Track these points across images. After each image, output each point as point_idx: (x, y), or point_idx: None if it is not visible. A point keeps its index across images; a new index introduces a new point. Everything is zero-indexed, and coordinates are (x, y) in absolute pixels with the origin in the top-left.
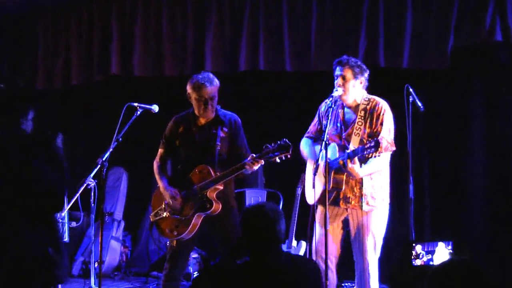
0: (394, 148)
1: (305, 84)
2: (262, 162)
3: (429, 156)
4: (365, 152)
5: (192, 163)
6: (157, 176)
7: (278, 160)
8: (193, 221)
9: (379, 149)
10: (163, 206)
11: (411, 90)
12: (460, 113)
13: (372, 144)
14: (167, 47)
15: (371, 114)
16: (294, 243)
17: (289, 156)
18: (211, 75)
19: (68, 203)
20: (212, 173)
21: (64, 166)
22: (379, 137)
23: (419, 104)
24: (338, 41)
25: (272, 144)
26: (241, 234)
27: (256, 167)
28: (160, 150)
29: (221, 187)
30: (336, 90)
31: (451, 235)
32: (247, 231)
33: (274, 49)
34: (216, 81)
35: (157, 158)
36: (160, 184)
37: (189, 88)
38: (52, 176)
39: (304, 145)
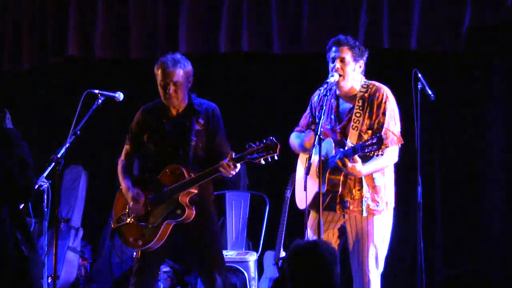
0: (400, 142)
1: (296, 69)
2: (238, 166)
3: (441, 152)
4: (366, 150)
5: (162, 162)
6: (120, 176)
7: (263, 162)
8: (161, 229)
9: (383, 146)
10: (127, 210)
11: (420, 75)
12: (478, 102)
13: (374, 141)
14: (134, 24)
15: (371, 103)
16: (283, 254)
17: (276, 157)
18: (178, 56)
19: None
20: (186, 174)
21: (24, 148)
22: (383, 130)
23: (429, 92)
24: (335, 18)
25: (257, 143)
26: (287, 279)
27: (233, 172)
28: (126, 147)
29: (196, 191)
30: (332, 76)
31: (467, 246)
32: (299, 279)
33: (260, 27)
34: (185, 64)
35: (122, 156)
36: (123, 184)
37: (155, 68)
38: (9, 161)
39: (294, 138)
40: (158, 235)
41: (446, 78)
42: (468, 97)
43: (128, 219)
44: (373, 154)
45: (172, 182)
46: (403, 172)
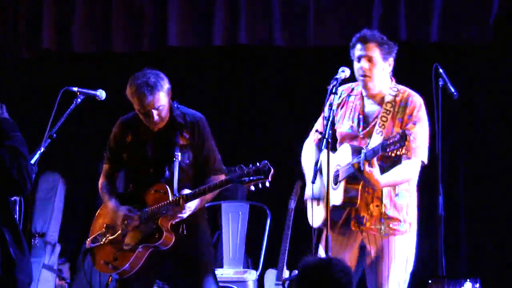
0: (425, 159)
1: (301, 65)
2: (190, 206)
3: (466, 158)
4: (388, 150)
5: (148, 182)
6: (104, 198)
7: (252, 188)
8: (136, 253)
9: (407, 142)
10: (104, 230)
11: (441, 71)
12: (508, 101)
13: (396, 138)
14: (117, 14)
15: (402, 109)
16: (286, 273)
17: (267, 184)
18: (152, 78)
19: None
20: (170, 194)
21: (18, 138)
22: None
23: (452, 89)
24: (345, 7)
25: (250, 166)
26: None
27: (183, 212)
28: (105, 167)
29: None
30: (343, 71)
31: (494, 263)
32: None
33: (259, 17)
34: (162, 84)
35: (102, 177)
36: (110, 205)
37: (128, 93)
38: (1, 152)
39: (305, 156)
40: (131, 260)
41: (471, 74)
42: (496, 95)
43: (103, 240)
44: (395, 155)
45: (155, 202)
46: (422, 180)
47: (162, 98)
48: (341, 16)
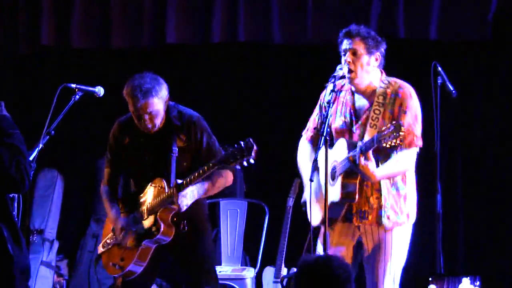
0: (420, 144)
1: (300, 62)
2: (185, 193)
3: (464, 156)
4: (383, 141)
5: (146, 182)
6: (105, 205)
7: (238, 167)
8: (139, 250)
9: (401, 133)
10: (111, 234)
11: (440, 69)
12: (507, 99)
13: (390, 129)
14: (116, 10)
15: (393, 100)
16: (284, 271)
17: (252, 161)
18: (148, 82)
19: None
20: (167, 188)
21: (16, 136)
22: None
23: (451, 87)
24: (344, 4)
25: (235, 146)
26: None
27: (180, 203)
28: (106, 170)
29: (176, 207)
30: (341, 69)
31: (492, 260)
32: None
33: (258, 14)
34: (158, 89)
35: (104, 181)
36: (110, 214)
37: (124, 92)
38: (0, 151)
39: (301, 156)
40: (135, 257)
41: (469, 72)
42: (495, 93)
43: (111, 244)
44: (390, 146)
45: (154, 196)
46: (420, 178)
47: (155, 104)
48: (340, 13)
